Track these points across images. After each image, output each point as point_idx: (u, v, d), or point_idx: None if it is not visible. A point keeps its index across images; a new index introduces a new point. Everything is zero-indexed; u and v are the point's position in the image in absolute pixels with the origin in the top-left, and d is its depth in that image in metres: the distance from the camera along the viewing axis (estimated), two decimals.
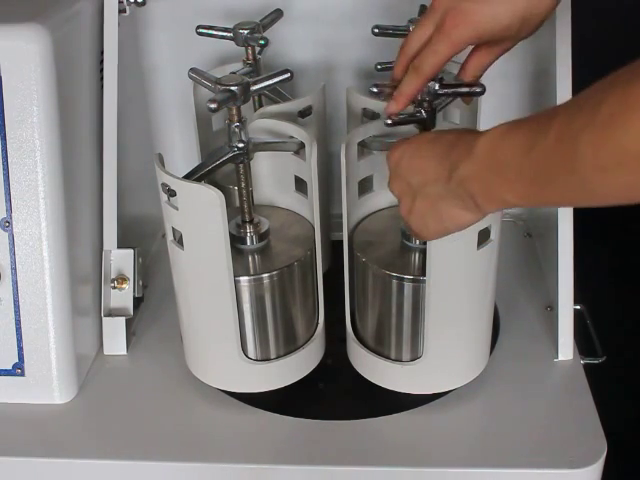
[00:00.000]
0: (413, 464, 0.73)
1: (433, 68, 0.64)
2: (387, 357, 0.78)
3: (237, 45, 0.88)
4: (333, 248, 0.94)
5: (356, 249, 0.78)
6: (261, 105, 0.90)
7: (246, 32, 0.87)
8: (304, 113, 0.85)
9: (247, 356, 0.77)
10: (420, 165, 0.62)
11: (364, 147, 0.79)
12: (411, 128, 0.72)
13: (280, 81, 0.73)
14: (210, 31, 0.89)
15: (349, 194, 0.76)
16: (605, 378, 0.82)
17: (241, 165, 0.75)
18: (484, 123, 0.84)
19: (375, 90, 0.68)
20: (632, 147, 0.44)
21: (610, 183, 0.47)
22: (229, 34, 0.88)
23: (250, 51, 0.89)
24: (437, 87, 0.67)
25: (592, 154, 0.46)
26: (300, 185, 0.81)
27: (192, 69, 0.75)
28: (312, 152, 0.72)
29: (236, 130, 0.72)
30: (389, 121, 0.67)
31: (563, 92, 0.84)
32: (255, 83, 0.72)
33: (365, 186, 0.82)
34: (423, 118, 0.69)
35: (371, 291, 0.77)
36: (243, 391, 0.79)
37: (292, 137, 0.77)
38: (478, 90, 0.68)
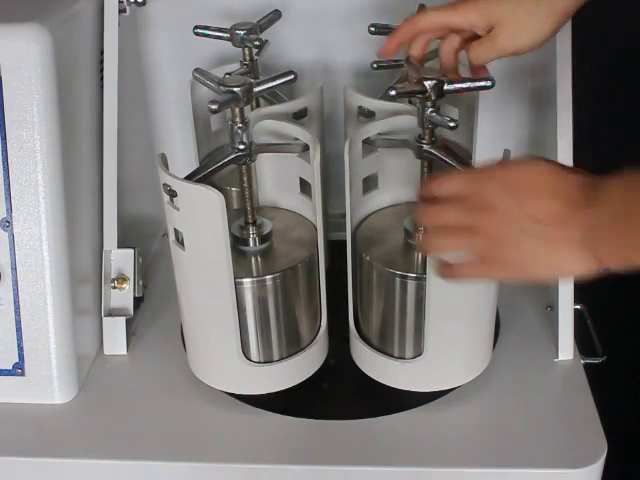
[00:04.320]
0: (413, 464, 0.73)
1: (427, 24, 0.68)
2: (390, 355, 0.78)
3: (234, 46, 0.88)
4: (332, 248, 0.94)
5: (359, 247, 0.77)
6: (258, 106, 0.90)
7: (242, 33, 0.87)
8: (300, 114, 0.85)
9: (250, 358, 0.77)
10: (546, 203, 0.56)
11: (369, 145, 0.78)
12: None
13: (284, 82, 0.72)
14: (206, 31, 0.89)
15: (352, 192, 0.75)
16: (605, 378, 0.82)
17: (244, 166, 0.75)
18: (482, 123, 0.84)
19: (393, 93, 0.68)
20: None
21: None
22: (225, 34, 0.88)
23: (247, 52, 0.89)
24: (446, 84, 0.68)
25: None
26: (302, 186, 0.81)
27: (196, 69, 0.75)
28: (316, 154, 0.72)
29: (238, 131, 0.72)
30: (393, 92, 0.68)
31: (563, 92, 0.84)
32: (258, 84, 0.71)
33: (368, 184, 0.82)
34: (425, 89, 0.68)
35: (374, 289, 0.77)
36: (245, 393, 0.79)
37: (296, 139, 0.76)
38: (487, 84, 0.68)
